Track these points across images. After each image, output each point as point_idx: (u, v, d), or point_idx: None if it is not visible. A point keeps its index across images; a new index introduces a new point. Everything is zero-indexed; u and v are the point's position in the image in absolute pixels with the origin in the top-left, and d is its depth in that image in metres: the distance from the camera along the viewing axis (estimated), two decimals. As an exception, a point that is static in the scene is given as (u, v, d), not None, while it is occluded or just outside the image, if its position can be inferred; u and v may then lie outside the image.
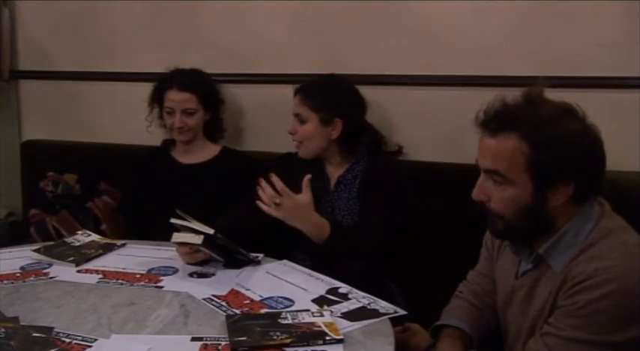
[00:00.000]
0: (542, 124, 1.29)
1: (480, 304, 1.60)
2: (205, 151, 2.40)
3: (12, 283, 1.67)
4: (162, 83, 2.34)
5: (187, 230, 1.71)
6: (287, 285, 1.63)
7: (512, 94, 1.35)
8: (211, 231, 1.66)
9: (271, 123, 2.51)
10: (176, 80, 2.31)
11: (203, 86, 2.36)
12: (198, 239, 1.66)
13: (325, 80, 2.15)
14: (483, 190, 1.36)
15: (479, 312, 1.59)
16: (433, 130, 2.29)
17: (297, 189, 2.11)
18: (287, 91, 2.16)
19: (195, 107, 2.32)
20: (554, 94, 2.07)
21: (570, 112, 1.33)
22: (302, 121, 2.08)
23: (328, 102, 2.08)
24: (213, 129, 2.44)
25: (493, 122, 1.33)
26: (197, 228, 1.68)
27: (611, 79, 2.07)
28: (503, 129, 1.31)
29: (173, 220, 1.71)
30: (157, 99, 2.37)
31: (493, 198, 1.35)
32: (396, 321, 1.47)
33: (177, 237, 1.72)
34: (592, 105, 2.04)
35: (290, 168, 2.16)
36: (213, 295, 1.56)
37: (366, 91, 2.17)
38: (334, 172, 2.12)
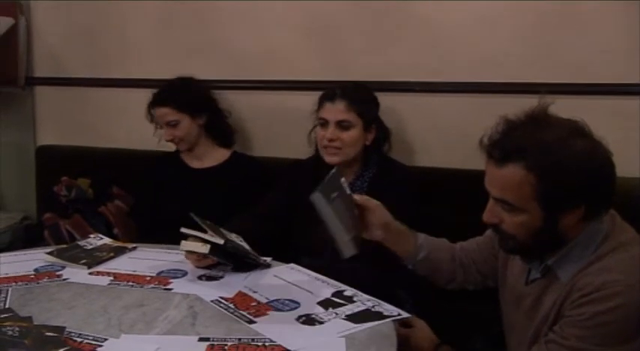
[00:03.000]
0: (548, 152, 1.25)
1: (459, 258, 1.67)
2: (215, 156, 2.43)
3: (26, 284, 1.70)
4: (150, 103, 2.40)
5: (196, 239, 1.72)
6: (293, 288, 1.65)
7: (516, 115, 1.32)
8: (221, 241, 1.66)
9: (280, 129, 2.53)
10: (156, 97, 2.38)
11: (177, 96, 2.37)
12: (204, 249, 1.67)
13: (356, 85, 2.11)
14: (494, 213, 1.36)
15: (451, 260, 1.67)
16: (441, 136, 2.31)
17: (305, 196, 2.12)
18: (296, 97, 2.19)
19: (176, 118, 2.35)
20: (560, 101, 2.11)
21: (577, 132, 1.29)
22: (346, 127, 2.03)
23: (369, 107, 2.08)
24: (217, 132, 2.46)
25: (498, 151, 1.29)
26: (207, 237, 1.68)
27: (617, 85, 2.08)
28: (509, 159, 1.28)
29: (183, 230, 1.72)
30: (152, 118, 2.42)
31: (505, 221, 1.34)
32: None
33: (184, 245, 1.73)
34: (598, 111, 2.10)
35: (301, 176, 2.18)
36: (221, 297, 1.59)
37: (374, 98, 2.19)
38: (345, 178, 2.12)
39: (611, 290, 1.24)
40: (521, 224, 1.32)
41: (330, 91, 2.09)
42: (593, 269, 1.30)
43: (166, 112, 2.35)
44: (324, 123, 2.07)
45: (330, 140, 2.04)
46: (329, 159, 2.08)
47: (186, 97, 2.38)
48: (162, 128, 2.39)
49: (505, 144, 1.29)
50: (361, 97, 2.08)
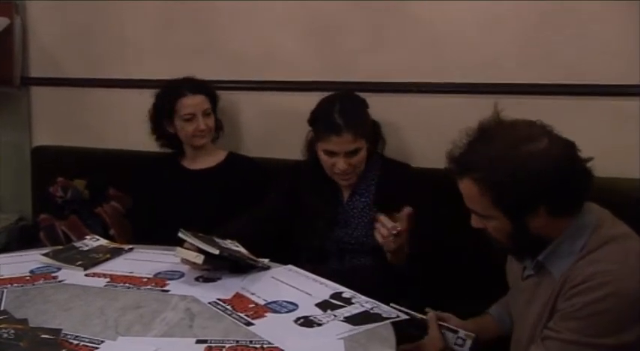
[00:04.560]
0: (493, 164, 1.32)
1: None
2: (212, 157, 2.42)
3: (22, 286, 1.69)
4: (171, 95, 2.35)
5: (192, 246, 1.70)
6: (291, 289, 1.65)
7: (472, 129, 1.39)
8: (216, 251, 1.65)
9: (279, 129, 2.53)
10: (185, 87, 2.34)
11: (208, 88, 2.40)
12: (199, 259, 1.66)
13: (349, 103, 2.03)
14: (476, 221, 1.44)
15: None
16: (439, 137, 2.27)
17: (306, 202, 2.12)
18: (295, 98, 2.17)
19: (211, 107, 2.37)
20: (558, 102, 2.12)
21: (525, 138, 1.33)
22: (356, 153, 1.98)
23: (367, 123, 2.04)
24: (216, 129, 2.44)
25: (453, 167, 1.39)
26: (202, 246, 1.67)
27: (614, 87, 2.07)
28: (462, 174, 1.37)
29: (181, 235, 1.71)
30: (166, 113, 2.35)
31: (486, 227, 1.42)
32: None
33: (180, 252, 1.72)
34: (595, 112, 2.11)
35: (301, 178, 2.16)
36: (219, 299, 1.58)
37: (373, 98, 2.18)
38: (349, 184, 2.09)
39: (601, 280, 1.26)
40: (496, 229, 1.40)
41: (330, 121, 1.97)
42: (584, 262, 1.32)
43: (204, 100, 2.34)
44: (331, 153, 2.00)
45: (345, 172, 2.00)
46: (345, 183, 2.05)
47: (213, 91, 2.41)
48: (189, 120, 2.32)
49: (458, 159, 1.39)
50: (361, 117, 2.02)
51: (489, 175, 1.32)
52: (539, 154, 1.31)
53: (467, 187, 1.37)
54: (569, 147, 1.35)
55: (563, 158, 1.32)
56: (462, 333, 1.57)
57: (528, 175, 1.29)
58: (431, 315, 1.58)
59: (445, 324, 1.59)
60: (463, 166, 1.37)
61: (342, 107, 1.99)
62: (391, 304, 1.57)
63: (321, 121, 2.02)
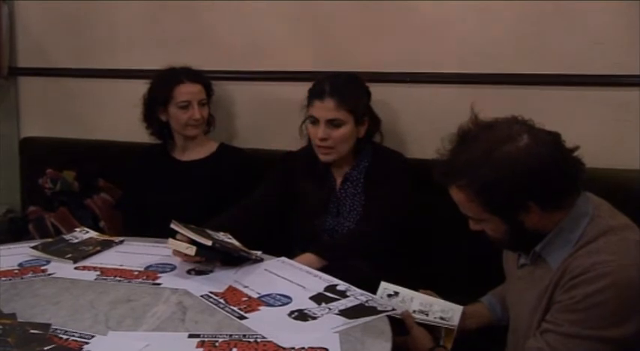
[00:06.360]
0: (474, 170, 1.33)
1: None
2: (204, 148, 2.39)
3: (10, 279, 1.66)
4: (169, 81, 2.32)
5: (185, 237, 1.68)
6: (285, 282, 1.63)
7: (453, 135, 1.40)
8: (209, 242, 1.63)
9: (270, 120, 2.51)
10: (183, 75, 2.32)
11: (206, 79, 2.38)
12: (190, 251, 1.64)
13: (345, 78, 2.07)
14: (474, 224, 1.44)
15: None
16: (433, 127, 2.28)
17: (299, 188, 2.11)
18: (286, 88, 2.14)
19: (206, 98, 2.35)
20: (554, 92, 2.10)
21: (504, 139, 1.33)
22: (337, 125, 1.99)
23: (360, 101, 2.05)
24: (208, 123, 2.43)
25: (439, 177, 1.40)
26: (194, 237, 1.65)
27: (611, 77, 2.06)
28: (448, 183, 1.38)
29: (173, 226, 1.69)
30: (162, 99, 2.32)
31: (484, 228, 1.42)
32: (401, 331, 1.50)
33: (172, 244, 1.69)
34: (592, 103, 2.10)
35: (294, 167, 2.15)
36: (211, 292, 1.56)
37: (367, 89, 2.17)
38: (339, 170, 2.10)
39: (601, 270, 1.26)
40: (493, 230, 1.41)
41: (319, 86, 2.03)
42: (582, 252, 1.32)
43: (201, 90, 2.34)
44: (314, 121, 2.02)
45: (322, 139, 2.00)
46: (323, 158, 2.05)
47: (209, 81, 2.40)
48: (184, 108, 2.29)
49: (442, 169, 1.40)
50: (351, 91, 2.03)
51: (472, 181, 1.33)
52: (519, 153, 1.31)
53: (455, 194, 1.38)
54: (552, 141, 1.34)
55: (545, 153, 1.32)
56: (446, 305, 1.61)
57: (510, 175, 1.30)
58: (405, 313, 1.55)
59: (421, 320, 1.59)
60: (447, 175, 1.38)
61: (334, 79, 2.04)
62: (382, 283, 1.62)
63: (311, 90, 2.06)
